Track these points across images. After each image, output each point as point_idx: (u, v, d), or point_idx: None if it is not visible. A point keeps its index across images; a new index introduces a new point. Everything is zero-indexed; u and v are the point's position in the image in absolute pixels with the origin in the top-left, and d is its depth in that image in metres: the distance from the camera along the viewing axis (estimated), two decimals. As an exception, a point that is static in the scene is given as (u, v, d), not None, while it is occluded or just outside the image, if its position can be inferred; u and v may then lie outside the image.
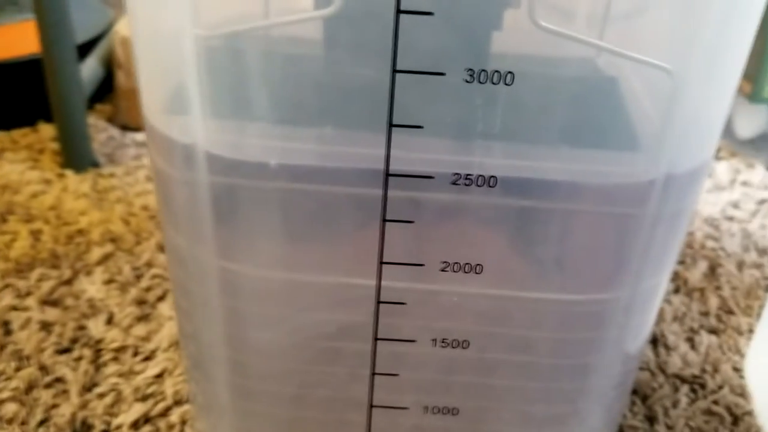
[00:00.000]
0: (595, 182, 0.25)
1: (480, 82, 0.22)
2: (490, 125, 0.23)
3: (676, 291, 0.48)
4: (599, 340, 0.28)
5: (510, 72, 0.22)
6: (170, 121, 0.25)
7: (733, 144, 0.66)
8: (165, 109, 0.26)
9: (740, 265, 0.51)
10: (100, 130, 0.64)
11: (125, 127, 0.65)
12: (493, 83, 0.22)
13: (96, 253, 0.49)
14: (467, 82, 0.22)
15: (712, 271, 0.50)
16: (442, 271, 0.25)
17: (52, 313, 0.44)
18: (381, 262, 0.25)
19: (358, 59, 0.23)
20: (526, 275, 0.26)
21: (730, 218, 0.57)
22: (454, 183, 0.24)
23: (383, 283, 0.26)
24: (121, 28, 0.65)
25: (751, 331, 0.45)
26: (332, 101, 0.24)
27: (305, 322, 0.28)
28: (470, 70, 0.22)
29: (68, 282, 0.46)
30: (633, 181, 0.25)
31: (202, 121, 0.24)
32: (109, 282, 0.46)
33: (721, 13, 0.22)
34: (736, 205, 0.58)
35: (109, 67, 0.68)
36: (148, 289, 0.46)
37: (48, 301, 0.45)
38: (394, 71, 0.22)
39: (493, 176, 0.24)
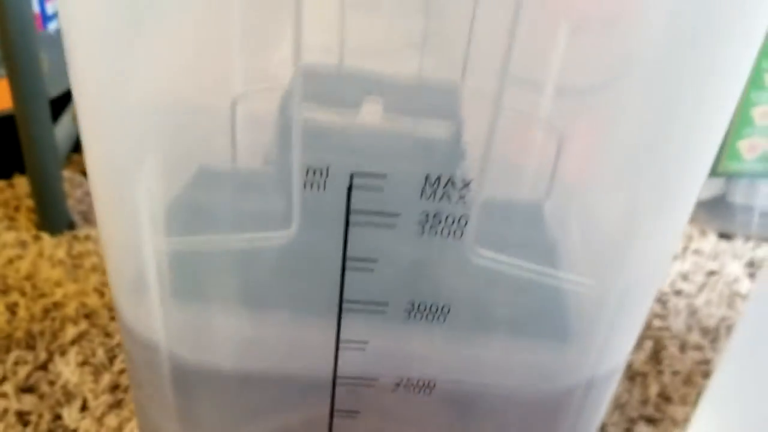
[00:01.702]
0: (528, 383, 0.27)
1: (418, 316, 0.25)
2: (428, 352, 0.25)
3: (621, 375, 0.52)
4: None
5: (446, 305, 0.25)
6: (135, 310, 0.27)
7: (688, 206, 0.69)
8: (128, 301, 0.28)
9: (683, 347, 0.54)
10: (75, 185, 0.65)
11: (100, 178, 0.67)
12: (431, 316, 0.25)
13: (71, 331, 0.51)
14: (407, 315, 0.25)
15: (656, 353, 0.54)
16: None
17: (28, 402, 0.46)
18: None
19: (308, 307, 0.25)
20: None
21: (678, 292, 0.60)
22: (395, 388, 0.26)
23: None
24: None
25: (686, 420, 0.49)
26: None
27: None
28: (411, 302, 0.25)
29: (44, 366, 0.48)
30: (564, 377, 0.28)
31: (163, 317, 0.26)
32: (83, 364, 0.49)
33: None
34: (685, 277, 0.61)
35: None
36: (121, 372, 0.48)
37: (24, 388, 0.47)
38: (341, 305, 0.24)
39: (431, 380, 0.26)
